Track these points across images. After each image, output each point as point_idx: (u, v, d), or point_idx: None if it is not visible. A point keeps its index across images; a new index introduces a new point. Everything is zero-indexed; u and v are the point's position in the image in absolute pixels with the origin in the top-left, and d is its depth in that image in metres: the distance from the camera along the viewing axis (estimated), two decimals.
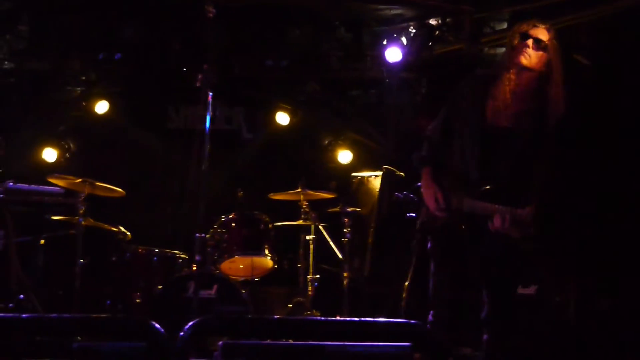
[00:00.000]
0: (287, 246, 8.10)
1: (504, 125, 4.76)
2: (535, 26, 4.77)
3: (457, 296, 5.07)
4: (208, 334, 3.78)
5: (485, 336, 4.94)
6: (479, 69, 5.09)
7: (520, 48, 4.73)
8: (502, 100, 4.75)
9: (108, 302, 7.16)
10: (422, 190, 5.03)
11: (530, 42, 4.72)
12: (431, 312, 5.02)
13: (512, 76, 4.76)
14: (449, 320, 4.99)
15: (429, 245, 5.11)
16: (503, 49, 8.45)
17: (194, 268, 6.68)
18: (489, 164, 4.77)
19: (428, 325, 4.89)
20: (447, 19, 7.97)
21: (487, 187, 4.76)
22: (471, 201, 4.79)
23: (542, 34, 4.74)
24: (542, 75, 4.74)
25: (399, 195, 7.66)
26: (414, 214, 5.14)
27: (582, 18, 7.28)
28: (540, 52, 4.72)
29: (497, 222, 4.64)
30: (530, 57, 4.71)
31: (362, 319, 3.47)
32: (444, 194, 4.88)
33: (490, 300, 4.92)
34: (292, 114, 9.41)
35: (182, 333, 3.30)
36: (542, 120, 4.72)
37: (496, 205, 4.67)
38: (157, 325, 3.39)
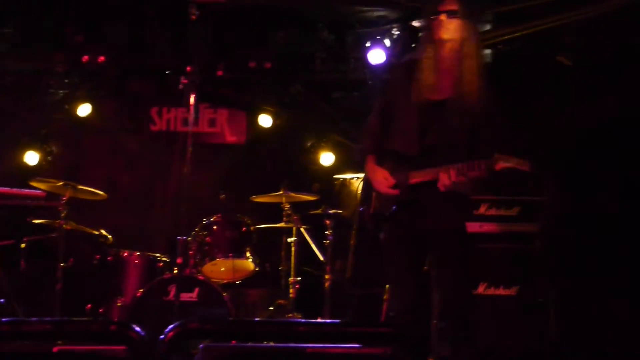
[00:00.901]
0: (269, 248, 8.08)
1: (437, 98, 4.90)
2: (445, 2, 4.90)
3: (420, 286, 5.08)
4: (189, 337, 3.76)
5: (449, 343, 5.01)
6: (405, 55, 5.17)
7: (436, 24, 4.87)
8: (431, 76, 4.90)
9: (89, 305, 7.14)
10: (369, 177, 5.12)
11: (443, 15, 4.86)
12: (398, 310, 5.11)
13: (437, 52, 4.91)
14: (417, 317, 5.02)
15: (381, 235, 5.18)
16: (487, 50, 8.57)
17: (175, 271, 6.66)
18: (428, 136, 4.89)
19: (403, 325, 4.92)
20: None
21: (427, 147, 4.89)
22: (416, 172, 4.90)
23: (452, 4, 4.88)
24: (462, 41, 4.89)
25: None
26: (361, 208, 5.22)
27: (565, 20, 7.28)
28: (455, 20, 4.85)
29: (443, 178, 4.76)
30: (448, 28, 4.86)
31: (344, 320, 3.46)
32: (391, 173, 4.99)
33: (443, 289, 5.03)
34: (275, 116, 9.40)
35: (162, 336, 3.29)
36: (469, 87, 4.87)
37: (439, 167, 4.80)
38: (138, 329, 3.38)
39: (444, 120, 4.86)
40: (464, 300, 5.02)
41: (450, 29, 4.87)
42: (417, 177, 4.92)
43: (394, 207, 4.99)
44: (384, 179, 5.00)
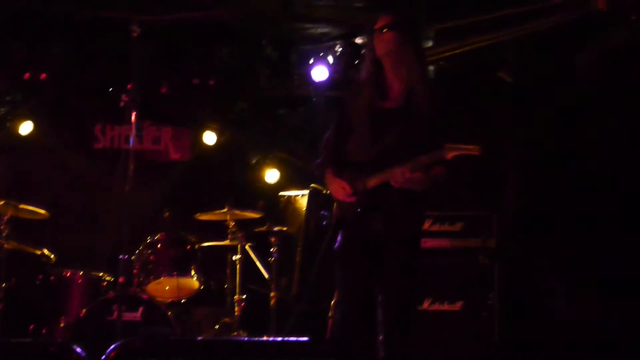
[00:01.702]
0: (214, 266, 8.05)
1: (388, 106, 5.07)
2: (380, 17, 5.15)
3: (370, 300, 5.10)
4: (131, 357, 3.74)
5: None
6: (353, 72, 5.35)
7: (377, 41, 5.10)
8: (380, 88, 5.11)
9: (32, 326, 7.05)
10: (329, 188, 5.22)
11: (377, 34, 5.10)
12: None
13: (381, 65, 5.11)
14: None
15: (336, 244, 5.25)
16: (430, 67, 8.64)
17: (117, 290, 6.62)
18: (381, 142, 5.01)
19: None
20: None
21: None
22: (372, 177, 5.00)
23: (386, 19, 5.11)
24: (401, 52, 5.07)
25: (325, 213, 7.69)
26: (325, 212, 5.29)
27: (505, 36, 7.38)
28: (391, 33, 5.06)
29: (396, 175, 4.89)
30: (386, 42, 5.06)
31: (287, 338, 3.46)
32: (349, 182, 5.08)
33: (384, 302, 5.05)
34: (220, 133, 9.38)
35: (104, 356, 3.27)
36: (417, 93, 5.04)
37: (394, 168, 4.91)
38: (79, 349, 3.36)
39: (396, 126, 4.98)
40: (406, 313, 5.04)
41: (387, 42, 5.05)
42: (373, 181, 5.01)
43: (357, 210, 5.06)
44: (341, 188, 5.10)
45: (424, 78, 5.10)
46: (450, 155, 4.82)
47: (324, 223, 5.33)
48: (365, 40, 5.28)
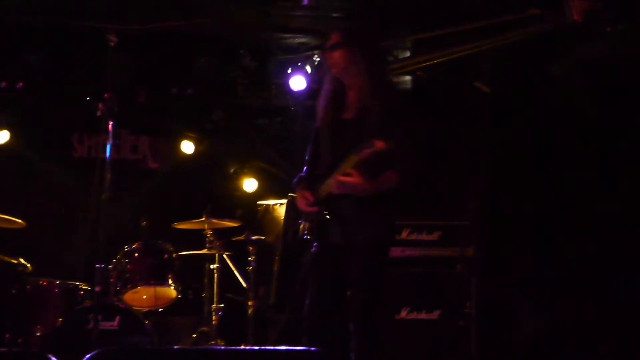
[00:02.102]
0: (192, 275, 8.04)
1: (346, 117, 5.20)
2: (330, 36, 5.32)
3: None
4: None
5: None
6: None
7: (328, 59, 5.28)
8: (335, 101, 5.27)
9: (7, 335, 7.01)
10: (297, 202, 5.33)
11: (328, 53, 5.26)
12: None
13: (336, 80, 5.28)
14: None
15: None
16: (407, 77, 8.67)
17: (93, 299, 6.59)
18: (337, 153, 5.10)
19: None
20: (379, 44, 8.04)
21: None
22: (324, 186, 5.13)
23: (334, 38, 5.26)
24: (352, 68, 5.21)
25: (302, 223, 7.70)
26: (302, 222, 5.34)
27: (482, 47, 7.41)
28: (338, 52, 5.21)
29: (333, 182, 5.01)
30: (335, 61, 5.23)
31: (265, 347, 3.47)
32: (312, 193, 5.20)
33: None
34: (198, 143, 9.38)
35: None
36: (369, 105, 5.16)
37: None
38: (55, 359, 3.34)
39: (349, 137, 5.05)
40: (371, 322, 5.09)
41: (336, 61, 5.22)
42: (324, 190, 5.13)
43: (317, 219, 5.16)
44: (304, 198, 5.20)
45: (374, 89, 5.15)
46: (362, 154, 4.87)
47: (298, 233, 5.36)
48: (322, 57, 5.41)
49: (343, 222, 5.10)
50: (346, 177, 4.96)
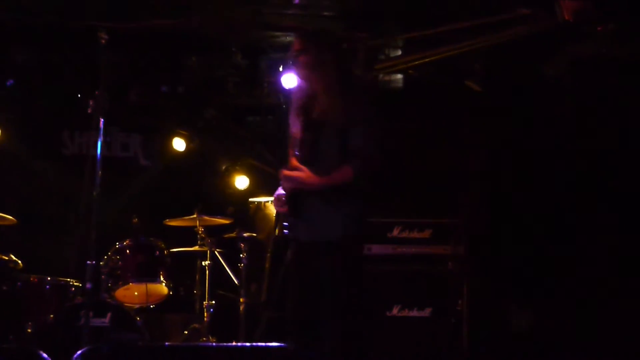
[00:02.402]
0: (183, 272, 8.05)
1: (313, 119, 5.30)
2: (294, 42, 5.48)
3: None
4: None
5: None
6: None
7: (294, 64, 5.43)
8: (302, 103, 5.38)
9: None
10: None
11: (294, 56, 5.38)
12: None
13: (303, 84, 5.42)
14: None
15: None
16: (399, 76, 8.68)
17: (84, 296, 6.60)
18: (303, 152, 5.24)
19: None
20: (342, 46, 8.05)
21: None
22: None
23: (296, 44, 5.43)
24: (314, 72, 5.33)
25: None
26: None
27: (473, 46, 7.43)
28: (301, 57, 5.34)
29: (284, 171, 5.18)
30: (300, 65, 5.37)
31: (256, 344, 3.48)
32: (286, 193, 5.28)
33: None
34: (189, 140, 9.39)
35: None
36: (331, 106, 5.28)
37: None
38: (45, 355, 3.35)
39: (313, 137, 5.22)
40: (346, 320, 5.14)
41: (300, 66, 5.36)
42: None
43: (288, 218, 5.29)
44: (277, 200, 5.31)
45: (335, 90, 5.26)
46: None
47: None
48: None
49: (308, 220, 5.20)
50: (293, 172, 5.12)
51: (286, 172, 5.16)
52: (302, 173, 5.12)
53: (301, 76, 5.40)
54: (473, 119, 8.16)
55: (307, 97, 5.38)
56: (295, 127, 5.39)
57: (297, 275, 5.31)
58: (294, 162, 5.17)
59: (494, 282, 7.62)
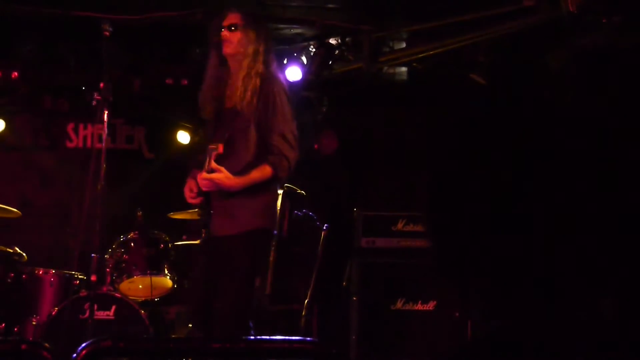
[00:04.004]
0: (188, 265, 8.04)
1: (227, 106, 5.29)
2: (225, 16, 5.31)
3: None
4: (103, 356, 3.73)
5: None
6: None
7: (223, 39, 5.26)
8: (220, 87, 5.37)
9: (3, 324, 7.02)
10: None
11: (225, 32, 5.23)
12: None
13: (225, 64, 5.34)
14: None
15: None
16: (403, 68, 8.67)
17: (88, 289, 6.61)
18: (215, 141, 5.22)
19: None
20: (347, 39, 8.05)
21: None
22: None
23: (233, 18, 5.27)
24: (246, 52, 5.24)
25: (299, 213, 7.72)
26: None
27: (478, 38, 7.41)
28: (237, 33, 5.23)
29: (199, 177, 5.15)
30: (231, 42, 5.22)
31: (261, 337, 3.47)
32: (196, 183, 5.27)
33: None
34: (194, 133, 9.38)
35: (75, 355, 3.25)
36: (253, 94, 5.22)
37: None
38: (50, 348, 3.34)
39: (225, 126, 5.21)
40: (238, 312, 5.27)
41: (233, 43, 5.22)
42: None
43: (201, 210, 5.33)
44: (188, 190, 5.34)
45: (257, 79, 5.20)
46: (213, 155, 5.04)
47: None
48: (211, 35, 5.40)
49: (219, 212, 5.23)
50: (212, 174, 5.05)
51: (205, 175, 5.08)
52: (221, 175, 5.05)
53: (230, 51, 5.26)
54: (477, 111, 8.15)
55: (221, 82, 5.34)
56: (206, 110, 5.38)
57: (206, 268, 5.35)
58: (213, 164, 5.06)
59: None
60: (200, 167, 5.27)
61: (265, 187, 5.27)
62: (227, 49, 5.25)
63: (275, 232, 5.55)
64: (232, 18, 5.28)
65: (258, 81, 5.18)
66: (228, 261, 5.22)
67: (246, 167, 5.17)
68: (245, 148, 5.18)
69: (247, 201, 5.20)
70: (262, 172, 5.13)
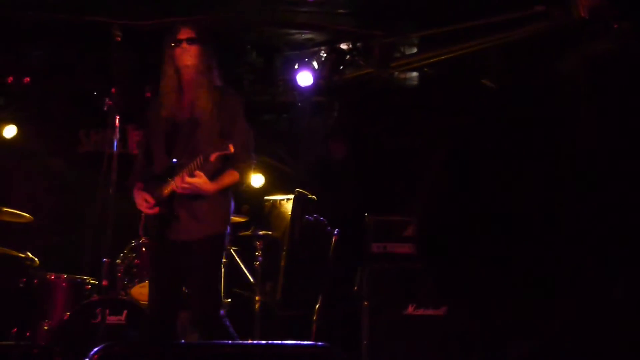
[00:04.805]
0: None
1: (181, 117, 5.42)
2: (179, 30, 5.47)
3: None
4: None
5: None
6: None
7: (179, 51, 5.42)
8: (174, 98, 5.45)
9: (15, 329, 7.04)
10: (135, 202, 5.49)
11: (184, 43, 5.40)
12: None
13: (179, 76, 5.46)
14: None
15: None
16: (414, 73, 8.67)
17: (100, 294, 6.63)
18: (174, 152, 5.39)
19: None
20: (358, 44, 8.05)
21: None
22: (165, 186, 5.35)
23: (189, 32, 5.46)
24: (200, 64, 5.43)
25: (310, 218, 7.73)
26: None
27: (489, 43, 7.40)
28: (194, 46, 5.41)
29: (177, 181, 5.24)
30: (190, 54, 5.41)
31: (272, 342, 3.48)
32: (151, 194, 5.41)
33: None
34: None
35: (86, 359, 3.27)
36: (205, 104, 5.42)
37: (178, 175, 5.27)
38: (62, 352, 3.36)
39: (185, 136, 5.37)
40: (207, 313, 5.45)
41: (191, 55, 5.39)
42: (165, 190, 5.35)
43: (160, 218, 5.41)
44: (144, 201, 5.41)
45: (214, 90, 5.42)
46: (213, 157, 5.12)
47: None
48: (166, 49, 5.49)
49: (186, 219, 5.35)
50: (193, 179, 5.18)
51: (190, 180, 5.19)
52: (201, 180, 5.21)
53: (189, 65, 5.39)
54: (488, 116, 8.16)
55: (177, 92, 5.44)
56: (156, 126, 5.47)
57: (161, 273, 5.47)
58: (196, 171, 5.19)
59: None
60: (151, 179, 5.44)
61: (229, 194, 5.54)
62: (188, 61, 5.40)
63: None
64: (189, 32, 5.45)
65: (217, 94, 5.41)
66: (197, 264, 5.38)
67: (215, 173, 5.36)
68: (196, 156, 5.28)
69: (215, 207, 5.42)
70: (232, 177, 5.38)
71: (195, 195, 5.31)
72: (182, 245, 5.37)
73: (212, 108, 5.36)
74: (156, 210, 5.37)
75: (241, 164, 5.39)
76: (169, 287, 5.49)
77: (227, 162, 5.36)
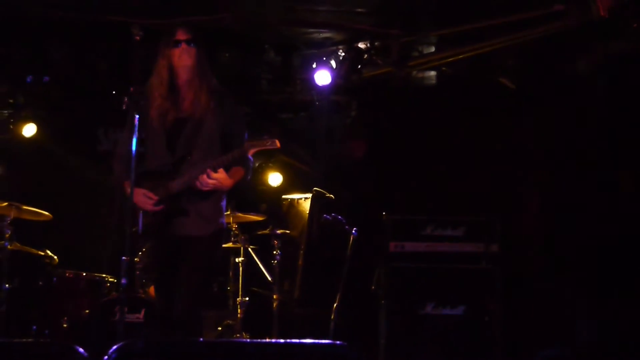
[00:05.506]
0: (217, 269, 8.07)
1: (180, 116, 5.48)
2: (176, 31, 5.56)
3: None
4: (134, 358, 3.75)
5: None
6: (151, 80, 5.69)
7: (178, 52, 5.49)
8: (169, 98, 5.51)
9: (34, 327, 7.07)
10: (134, 201, 5.39)
11: (184, 45, 5.50)
12: None
13: (176, 76, 5.52)
14: None
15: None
16: (432, 72, 8.66)
17: (119, 291, 6.64)
18: (177, 150, 5.45)
19: None
20: (376, 43, 8.03)
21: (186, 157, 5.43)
22: (175, 181, 5.38)
23: (186, 34, 5.54)
24: (197, 65, 5.51)
25: (328, 217, 7.73)
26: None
27: (507, 42, 7.38)
28: (192, 48, 5.49)
29: (202, 179, 5.27)
30: (189, 55, 5.49)
31: (290, 340, 3.49)
32: (151, 190, 5.43)
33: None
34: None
35: (106, 357, 3.28)
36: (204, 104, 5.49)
37: (195, 171, 5.31)
38: (81, 350, 3.38)
39: (188, 134, 5.43)
40: (194, 309, 5.46)
41: (189, 56, 5.47)
42: (177, 186, 5.37)
43: (164, 215, 5.41)
44: (146, 198, 5.41)
45: (214, 91, 5.51)
46: (251, 151, 5.27)
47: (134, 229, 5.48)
48: (162, 49, 5.53)
49: (189, 215, 5.39)
50: (218, 175, 5.26)
51: (214, 175, 5.25)
52: (222, 175, 5.30)
53: (188, 65, 5.47)
54: (506, 115, 8.14)
55: (170, 93, 5.49)
56: (155, 124, 5.49)
57: (164, 269, 5.50)
58: (221, 171, 5.27)
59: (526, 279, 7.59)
60: (147, 175, 5.45)
61: (224, 192, 5.57)
62: (187, 61, 5.47)
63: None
64: (186, 34, 5.53)
65: (217, 94, 5.50)
66: (198, 258, 5.40)
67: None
68: (213, 154, 5.38)
69: (217, 204, 5.50)
70: (239, 173, 5.45)
71: (202, 192, 5.35)
72: (183, 239, 5.40)
73: (214, 107, 5.44)
74: (159, 208, 5.39)
75: (247, 161, 5.49)
76: (172, 289, 5.46)
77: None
